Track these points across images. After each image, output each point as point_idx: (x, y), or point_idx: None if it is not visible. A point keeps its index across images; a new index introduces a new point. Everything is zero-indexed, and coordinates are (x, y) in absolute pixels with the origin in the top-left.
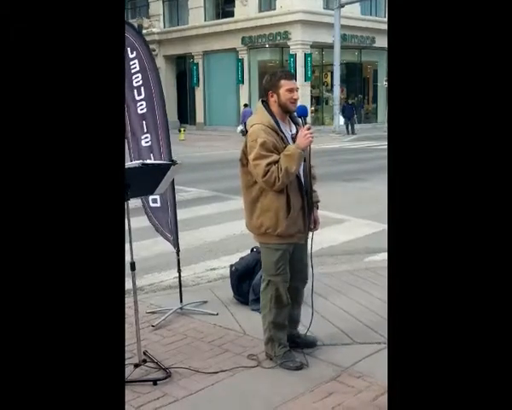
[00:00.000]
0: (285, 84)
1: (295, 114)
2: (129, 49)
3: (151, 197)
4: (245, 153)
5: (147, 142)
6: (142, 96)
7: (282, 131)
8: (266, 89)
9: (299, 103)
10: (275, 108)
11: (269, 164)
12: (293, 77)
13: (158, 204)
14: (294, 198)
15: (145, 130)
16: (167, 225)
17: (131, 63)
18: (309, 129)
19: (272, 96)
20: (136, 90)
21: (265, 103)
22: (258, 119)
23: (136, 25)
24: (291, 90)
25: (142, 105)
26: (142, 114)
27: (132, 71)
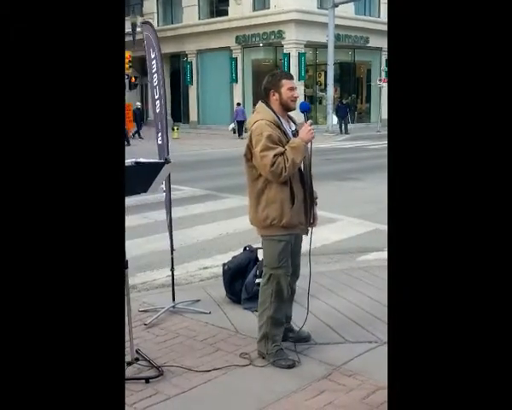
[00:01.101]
0: (286, 84)
1: (298, 110)
2: (151, 49)
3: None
4: (250, 148)
5: (160, 140)
6: (158, 96)
7: (283, 126)
8: (268, 88)
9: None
10: (276, 106)
11: (275, 155)
12: (292, 77)
13: (165, 201)
14: (297, 190)
15: (159, 128)
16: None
17: (152, 63)
18: (311, 125)
19: (274, 95)
20: (155, 90)
21: (266, 103)
22: (262, 115)
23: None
24: (292, 89)
25: (157, 104)
26: (158, 112)
27: (153, 70)
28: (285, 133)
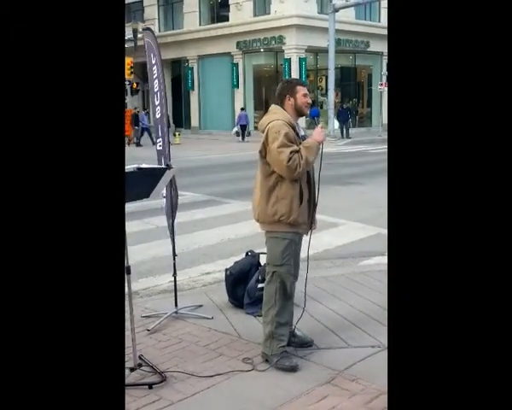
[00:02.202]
0: (301, 90)
1: (309, 117)
2: (152, 54)
3: (164, 200)
4: (265, 145)
5: (160, 145)
6: (158, 102)
7: (297, 129)
8: (283, 94)
9: None
10: (290, 110)
11: (292, 152)
12: (305, 84)
13: (165, 207)
14: (305, 190)
15: (159, 134)
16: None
17: (153, 68)
18: (321, 128)
19: (289, 100)
20: (155, 96)
21: (280, 107)
22: (278, 116)
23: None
24: (305, 95)
25: (158, 110)
26: (158, 118)
27: (154, 76)
28: (298, 135)
